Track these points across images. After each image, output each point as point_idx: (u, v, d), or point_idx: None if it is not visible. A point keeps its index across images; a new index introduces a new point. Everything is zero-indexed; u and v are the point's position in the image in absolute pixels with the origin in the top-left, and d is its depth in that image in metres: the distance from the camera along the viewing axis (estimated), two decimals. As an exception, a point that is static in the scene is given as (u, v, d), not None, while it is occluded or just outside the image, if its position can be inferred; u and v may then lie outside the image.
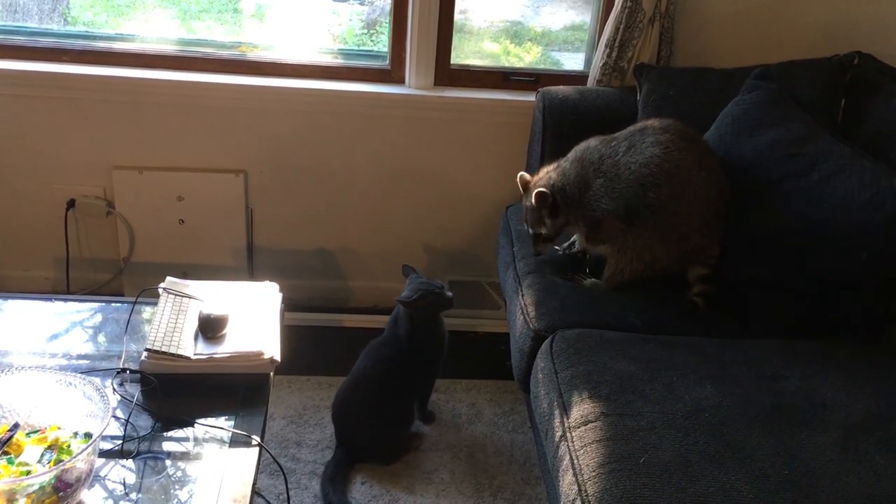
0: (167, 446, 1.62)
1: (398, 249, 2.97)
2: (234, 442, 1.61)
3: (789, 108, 2.21)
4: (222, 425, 1.64)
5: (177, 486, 1.55)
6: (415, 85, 2.74)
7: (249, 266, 2.92)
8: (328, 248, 2.96)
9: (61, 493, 1.35)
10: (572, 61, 2.98)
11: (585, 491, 1.48)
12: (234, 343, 1.79)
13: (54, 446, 1.46)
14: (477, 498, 2.16)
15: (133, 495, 1.49)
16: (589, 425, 1.61)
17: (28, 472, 1.37)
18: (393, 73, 2.78)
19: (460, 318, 2.95)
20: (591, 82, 2.71)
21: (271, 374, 1.81)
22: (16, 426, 1.49)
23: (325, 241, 2.95)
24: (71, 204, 2.75)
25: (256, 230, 2.89)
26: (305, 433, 2.35)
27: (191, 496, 1.51)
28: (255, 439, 1.61)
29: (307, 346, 2.69)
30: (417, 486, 2.19)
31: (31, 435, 1.48)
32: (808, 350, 1.92)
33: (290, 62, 2.75)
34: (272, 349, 1.80)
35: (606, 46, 2.62)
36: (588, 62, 2.87)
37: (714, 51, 2.71)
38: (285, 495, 2.09)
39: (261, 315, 1.91)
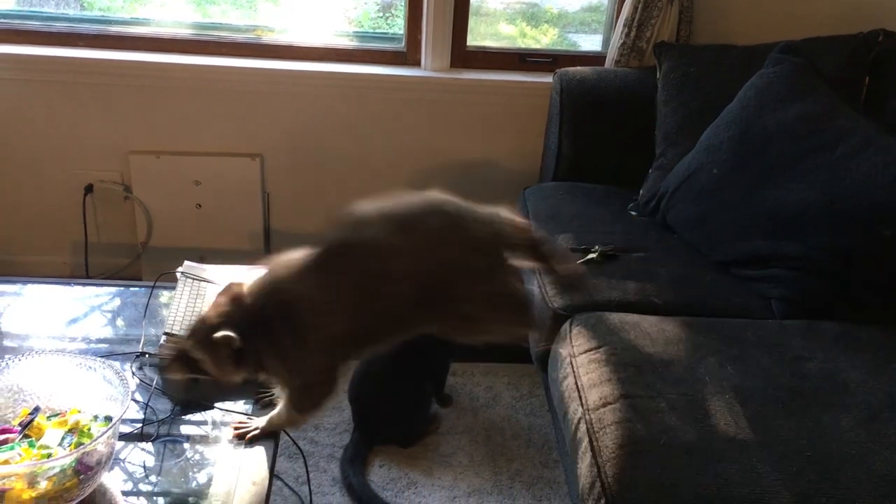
0: (186, 429, 1.62)
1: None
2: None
3: (814, 82, 2.17)
4: (241, 409, 1.65)
5: (196, 469, 1.55)
6: (431, 67, 2.72)
7: (266, 250, 2.92)
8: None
9: (82, 476, 1.36)
10: (589, 43, 2.95)
11: (605, 472, 1.47)
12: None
13: (75, 429, 1.46)
14: (495, 481, 2.16)
15: (153, 478, 1.50)
16: (608, 407, 1.60)
17: (49, 455, 1.38)
18: (408, 56, 2.76)
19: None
20: (608, 63, 2.68)
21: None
22: (36, 409, 1.49)
23: (341, 225, 2.94)
24: (88, 189, 2.76)
25: (273, 214, 2.89)
26: (323, 416, 2.35)
27: (210, 479, 1.51)
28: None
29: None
30: (435, 469, 2.19)
31: (52, 418, 1.48)
32: (829, 331, 1.89)
33: (305, 45, 2.74)
34: (290, 332, 1.80)
35: (625, 26, 2.59)
36: (605, 43, 2.84)
37: (735, 29, 2.67)
38: (304, 478, 2.10)
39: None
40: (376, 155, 2.83)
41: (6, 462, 1.35)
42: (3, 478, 1.30)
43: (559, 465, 2.22)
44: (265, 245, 2.91)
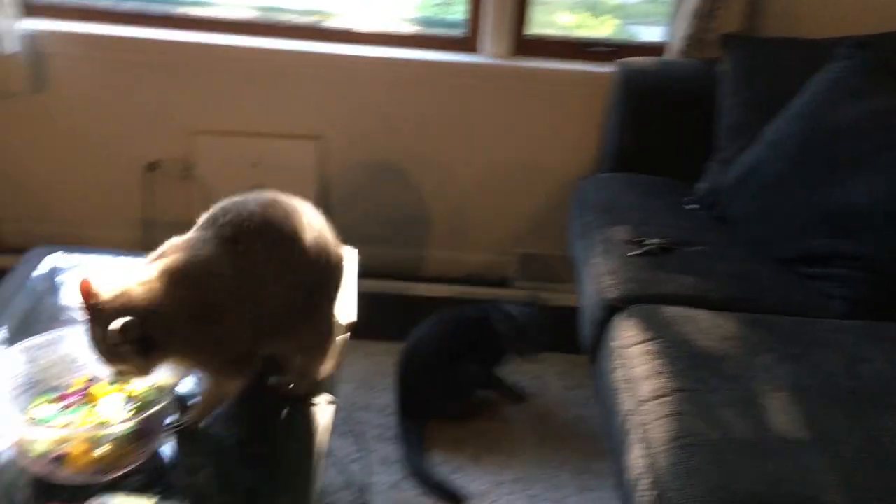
0: (246, 404, 1.65)
1: (470, 219, 2.96)
2: (310, 402, 1.63)
3: (885, 78, 2.11)
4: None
5: (254, 440, 1.58)
6: (491, 54, 2.72)
7: (321, 232, 2.94)
8: (400, 216, 2.97)
9: (141, 442, 1.39)
10: (649, 35, 2.91)
11: (656, 464, 1.46)
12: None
13: (133, 397, 1.49)
14: (541, 469, 2.16)
15: (212, 448, 1.53)
16: (661, 399, 1.58)
17: (107, 422, 1.41)
18: (469, 42, 2.76)
19: (529, 291, 2.94)
20: (672, 54, 2.64)
21: (347, 334, 1.83)
22: (95, 377, 1.53)
23: (397, 210, 2.96)
24: (151, 166, 2.82)
25: (329, 197, 2.92)
26: (373, 397, 2.37)
27: (271, 447, 1.54)
28: (330, 397, 1.63)
29: (377, 313, 2.70)
30: (482, 454, 2.19)
31: (110, 386, 1.52)
32: (891, 332, 1.84)
33: (366, 30, 2.75)
34: (348, 310, 1.82)
35: (691, 17, 2.55)
36: (668, 34, 2.80)
37: (804, 22, 2.60)
38: (353, 456, 2.12)
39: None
40: (433, 141, 2.84)
41: (67, 426, 1.40)
42: (65, 441, 1.34)
43: (606, 457, 2.20)
44: (320, 227, 2.94)
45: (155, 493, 1.34)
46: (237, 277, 1.42)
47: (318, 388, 1.66)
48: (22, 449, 1.35)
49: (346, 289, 1.88)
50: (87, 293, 1.34)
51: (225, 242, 1.44)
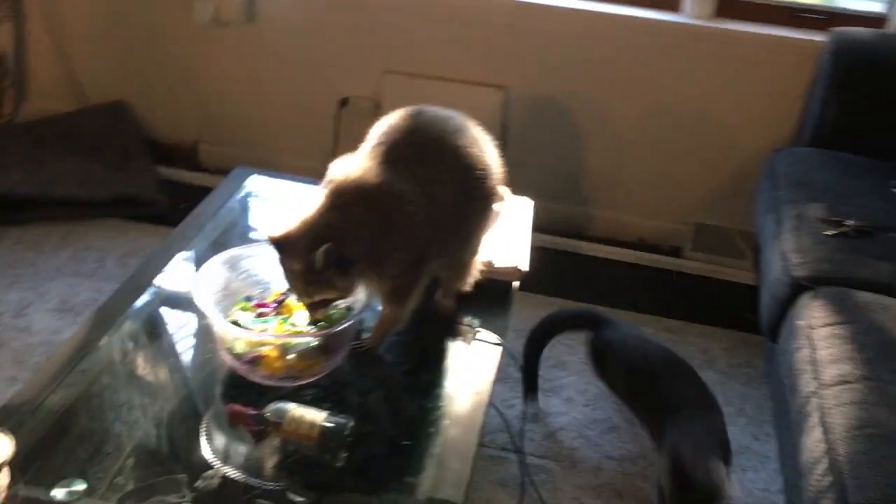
0: (418, 333, 1.71)
1: (647, 183, 2.90)
2: (478, 340, 1.68)
3: None
4: (468, 323, 1.72)
5: (423, 372, 1.64)
6: (694, 14, 2.62)
7: (497, 182, 2.97)
8: (574, 173, 2.94)
9: (325, 356, 1.48)
10: (869, 5, 2.70)
11: (835, 451, 1.40)
12: (483, 246, 1.84)
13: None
14: (700, 442, 2.12)
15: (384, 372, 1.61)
16: (845, 386, 1.51)
17: (298, 333, 1.51)
18: (672, 0, 2.66)
19: (701, 263, 2.86)
20: (893, 27, 2.45)
21: (517, 282, 1.86)
22: (288, 291, 1.63)
23: (572, 166, 2.93)
24: (344, 102, 2.93)
25: (508, 147, 2.92)
26: (534, 349, 2.39)
27: (436, 381, 1.60)
28: (498, 340, 1.67)
29: (541, 267, 2.72)
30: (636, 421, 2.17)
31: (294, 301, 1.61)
32: None
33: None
34: (521, 259, 1.84)
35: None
36: (890, 4, 2.59)
37: None
38: (509, 402, 2.16)
39: (512, 225, 1.95)
40: (620, 100, 2.78)
41: (263, 332, 1.50)
42: (261, 345, 1.45)
43: (771, 439, 2.13)
44: (496, 176, 2.96)
45: (325, 408, 1.42)
46: (404, 194, 1.48)
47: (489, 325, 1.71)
48: (224, 347, 1.47)
49: (519, 236, 1.91)
50: (276, 238, 1.44)
51: (388, 160, 1.50)
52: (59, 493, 1.23)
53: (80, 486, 1.25)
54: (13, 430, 1.27)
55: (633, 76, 2.73)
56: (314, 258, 1.39)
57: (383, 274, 1.50)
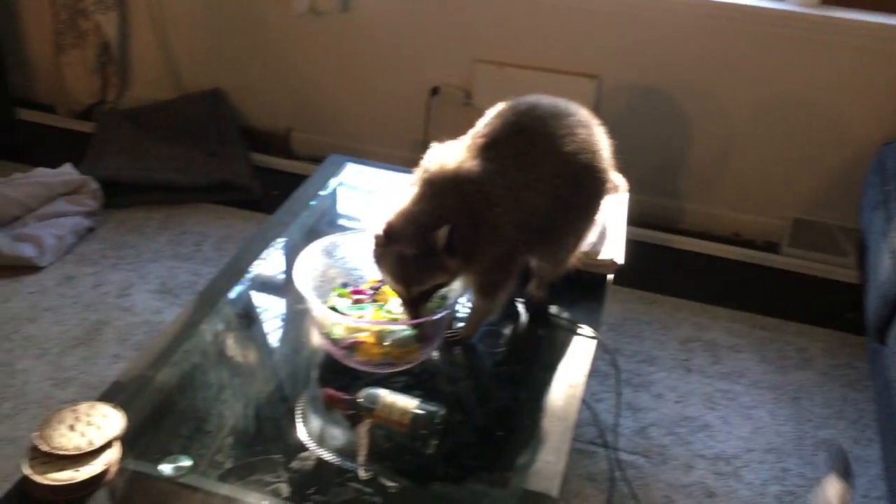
0: (511, 324, 1.71)
1: (744, 176, 2.81)
2: (572, 331, 1.66)
3: None
4: (562, 315, 1.70)
5: (516, 362, 1.64)
6: (799, 1, 2.52)
7: (587, 172, 2.94)
8: (667, 164, 2.88)
9: (421, 344, 1.49)
10: None
11: (951, 459, 1.34)
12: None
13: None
14: (797, 445, 2.05)
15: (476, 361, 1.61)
16: (962, 392, 1.44)
17: (395, 320, 1.52)
18: (775, -13, 2.58)
19: (799, 260, 2.76)
20: None
21: (611, 275, 1.83)
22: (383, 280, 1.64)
23: (665, 157, 2.87)
24: (434, 91, 2.94)
25: (599, 138, 2.89)
26: (623, 343, 2.36)
27: (529, 372, 1.59)
28: (592, 332, 1.65)
29: (632, 261, 2.68)
30: (733, 417, 2.12)
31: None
32: None
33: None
34: (616, 252, 1.81)
35: None
36: None
37: None
38: (599, 395, 2.14)
39: (607, 217, 1.91)
40: (718, 89, 2.70)
41: (361, 317, 1.52)
42: (359, 331, 1.47)
43: (873, 443, 2.05)
44: (587, 167, 2.93)
45: (417, 396, 1.43)
46: (493, 194, 1.46)
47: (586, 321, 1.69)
48: (321, 332, 1.49)
49: (615, 229, 1.87)
50: (386, 227, 1.41)
51: (487, 156, 1.48)
52: (166, 468, 1.28)
53: (186, 463, 1.29)
54: (122, 407, 1.32)
55: (733, 66, 2.65)
56: (434, 238, 1.38)
57: (473, 267, 1.50)
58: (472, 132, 1.56)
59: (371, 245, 1.45)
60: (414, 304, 1.45)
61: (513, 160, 1.49)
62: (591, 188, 1.61)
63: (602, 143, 1.63)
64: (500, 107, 1.58)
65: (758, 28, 2.58)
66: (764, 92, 2.67)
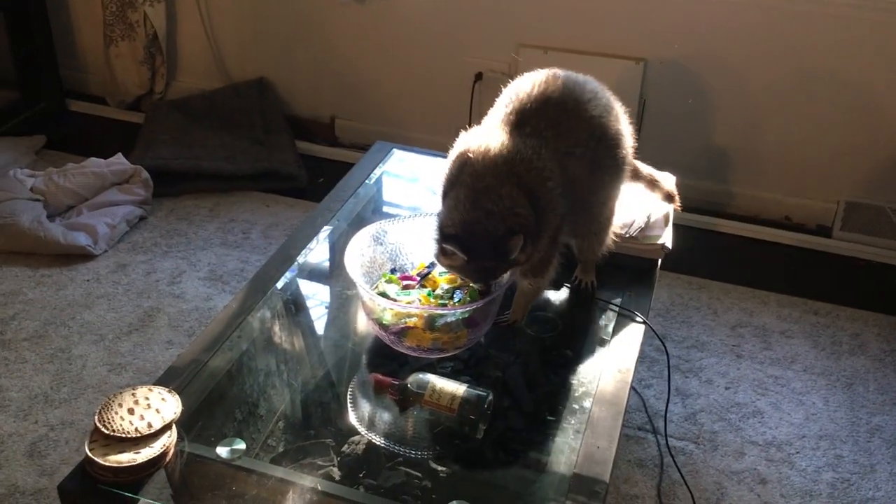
0: (559, 310, 1.71)
1: (794, 159, 2.76)
2: (621, 316, 1.65)
3: None
4: (610, 300, 1.69)
5: (565, 347, 1.63)
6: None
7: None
8: (716, 149, 2.84)
9: (469, 329, 1.49)
10: None
11: None
12: (625, 222, 1.81)
13: (463, 287, 1.59)
14: (851, 431, 2.02)
15: (523, 347, 1.61)
16: None
17: (444, 305, 1.52)
18: (825, -36, 2.52)
19: (851, 243, 2.71)
20: None
21: (660, 260, 1.81)
22: (432, 265, 1.65)
23: (714, 142, 2.83)
24: (478, 77, 2.93)
25: (645, 122, 2.86)
26: (671, 328, 2.34)
27: (578, 357, 1.59)
28: (641, 317, 1.64)
29: (679, 245, 2.65)
30: (784, 403, 2.09)
31: (442, 275, 1.63)
32: None
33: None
34: (665, 237, 1.80)
35: None
36: None
37: None
38: (647, 381, 2.12)
39: (655, 201, 1.90)
40: (766, 71, 2.65)
41: (411, 303, 1.52)
42: (409, 316, 1.47)
43: (930, 431, 2.01)
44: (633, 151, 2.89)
45: (464, 381, 1.43)
46: (544, 169, 1.45)
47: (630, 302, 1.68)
48: (371, 318, 1.50)
49: (663, 213, 1.86)
50: (460, 256, 1.39)
51: (523, 132, 1.48)
52: (222, 451, 1.30)
53: (241, 446, 1.31)
54: (178, 391, 1.34)
55: (782, 47, 2.60)
56: (509, 248, 1.39)
57: (535, 249, 1.48)
58: (493, 114, 1.57)
59: (439, 252, 1.45)
60: (489, 290, 1.47)
61: (550, 130, 1.49)
62: (619, 150, 1.61)
63: (622, 116, 1.64)
64: (516, 84, 1.59)
65: (811, 7, 2.52)
66: (814, 73, 2.61)
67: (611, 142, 1.58)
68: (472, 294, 1.53)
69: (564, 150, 1.49)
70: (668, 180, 1.91)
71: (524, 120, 1.50)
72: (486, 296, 1.47)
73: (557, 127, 1.49)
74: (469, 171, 1.44)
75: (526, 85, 1.56)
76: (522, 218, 1.41)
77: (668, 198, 1.87)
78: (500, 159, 1.44)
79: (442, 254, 1.45)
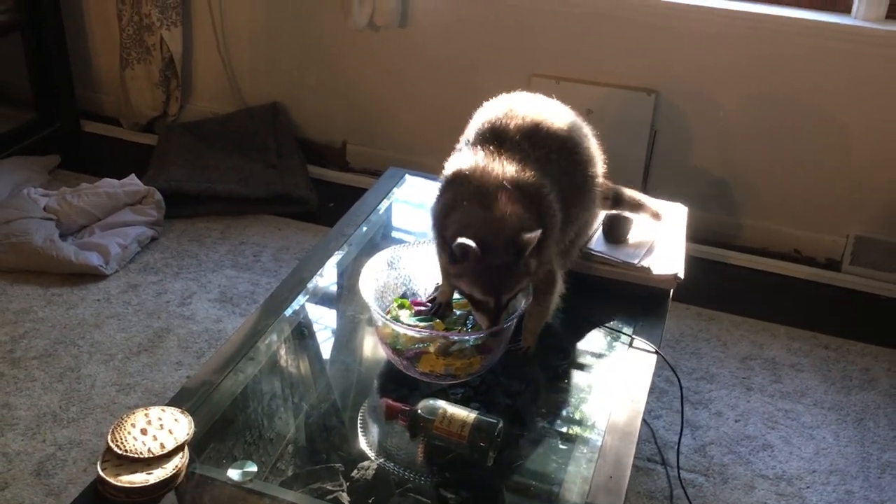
0: (571, 338, 1.71)
1: (803, 192, 2.77)
2: (633, 347, 1.65)
3: None
4: (622, 329, 1.69)
5: (578, 378, 1.63)
6: (863, 16, 2.48)
7: (643, 187, 2.92)
8: (726, 180, 2.85)
9: (483, 355, 1.49)
10: None
11: None
12: (636, 252, 1.82)
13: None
14: (861, 465, 2.00)
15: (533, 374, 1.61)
16: None
17: (462, 330, 1.52)
18: (840, 1, 2.54)
19: (860, 278, 2.71)
20: None
21: (672, 290, 1.81)
22: (436, 288, 1.65)
23: (724, 174, 2.84)
24: (490, 105, 2.95)
25: (656, 153, 2.87)
26: (681, 359, 2.33)
27: (590, 386, 1.58)
28: (654, 347, 1.63)
29: (689, 277, 2.65)
30: (794, 437, 2.08)
31: (454, 300, 1.63)
32: None
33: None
34: (677, 267, 1.80)
35: None
36: None
37: None
38: (656, 412, 2.11)
39: (666, 231, 1.90)
40: (778, 105, 2.67)
41: (425, 328, 1.52)
42: (422, 341, 1.47)
43: (941, 468, 2.00)
44: (643, 183, 2.91)
45: (475, 408, 1.43)
46: (543, 185, 1.48)
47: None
48: (385, 342, 1.50)
49: (674, 243, 1.86)
50: (476, 249, 1.37)
51: (501, 144, 1.52)
52: (234, 473, 1.30)
53: (252, 469, 1.31)
54: (190, 412, 1.34)
55: (797, 81, 2.62)
56: (525, 242, 1.37)
57: (540, 262, 1.49)
58: (467, 139, 1.63)
59: (450, 261, 1.43)
60: (499, 312, 1.43)
61: (526, 141, 1.53)
62: (590, 168, 1.66)
63: (589, 130, 1.71)
64: (483, 111, 1.67)
65: (822, 42, 2.54)
66: (824, 108, 2.63)
67: (582, 157, 1.63)
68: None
69: (542, 156, 1.53)
70: (654, 202, 1.93)
71: (502, 138, 1.54)
72: (494, 325, 1.43)
73: (531, 138, 1.55)
74: (471, 189, 1.46)
75: (492, 107, 1.65)
76: (531, 222, 1.42)
77: (655, 216, 1.90)
78: (496, 171, 1.47)
79: (451, 261, 1.42)
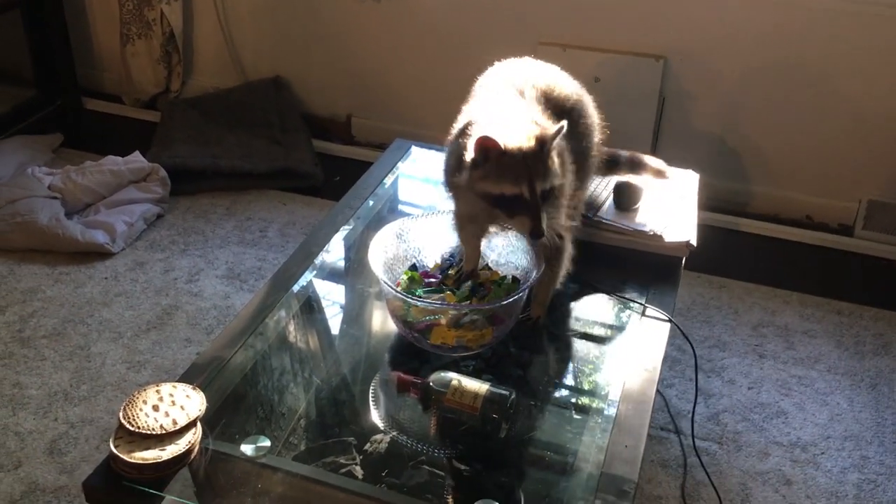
0: (582, 308, 1.69)
1: (815, 158, 2.73)
2: (646, 316, 1.63)
3: None
4: (635, 298, 1.67)
5: (588, 345, 1.62)
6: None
7: (652, 155, 2.88)
8: (736, 148, 2.81)
9: (494, 327, 1.48)
10: None
11: None
12: (648, 219, 1.79)
13: (485, 284, 1.57)
14: (876, 432, 1.99)
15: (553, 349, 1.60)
16: None
17: (473, 301, 1.51)
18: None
19: (873, 243, 2.68)
20: None
21: (684, 257, 1.79)
22: (451, 262, 1.64)
23: (734, 141, 2.80)
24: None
25: (664, 120, 2.84)
26: (693, 327, 2.31)
27: (603, 356, 1.57)
28: (667, 316, 1.62)
29: (700, 244, 2.63)
30: (808, 403, 2.07)
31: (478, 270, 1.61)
32: None
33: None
34: (689, 234, 1.78)
35: None
36: None
37: None
38: (668, 381, 2.10)
39: (677, 199, 1.88)
40: (788, 68, 2.63)
41: (436, 300, 1.51)
42: (433, 314, 1.46)
43: (958, 433, 1.98)
44: (651, 150, 2.87)
45: (486, 379, 1.42)
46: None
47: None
48: (395, 315, 1.49)
49: (686, 211, 1.84)
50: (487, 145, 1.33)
51: (519, 96, 1.55)
52: (247, 448, 1.29)
53: (266, 444, 1.30)
54: (201, 388, 1.33)
55: (800, 46, 2.58)
56: (551, 134, 1.35)
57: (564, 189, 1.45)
58: (478, 99, 1.65)
59: (471, 166, 1.37)
60: (537, 207, 1.34)
61: (543, 98, 1.57)
62: (590, 137, 1.68)
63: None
64: (490, 73, 1.73)
65: (831, 5, 2.49)
66: (835, 73, 2.59)
67: (587, 124, 1.65)
68: (497, 292, 1.51)
69: (554, 117, 1.52)
70: (655, 160, 1.91)
71: (520, 88, 1.57)
72: (535, 236, 1.34)
73: (547, 95, 1.58)
74: (489, 120, 1.43)
75: (499, 68, 1.71)
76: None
77: (659, 174, 1.89)
78: (519, 107, 1.49)
79: (473, 165, 1.36)
